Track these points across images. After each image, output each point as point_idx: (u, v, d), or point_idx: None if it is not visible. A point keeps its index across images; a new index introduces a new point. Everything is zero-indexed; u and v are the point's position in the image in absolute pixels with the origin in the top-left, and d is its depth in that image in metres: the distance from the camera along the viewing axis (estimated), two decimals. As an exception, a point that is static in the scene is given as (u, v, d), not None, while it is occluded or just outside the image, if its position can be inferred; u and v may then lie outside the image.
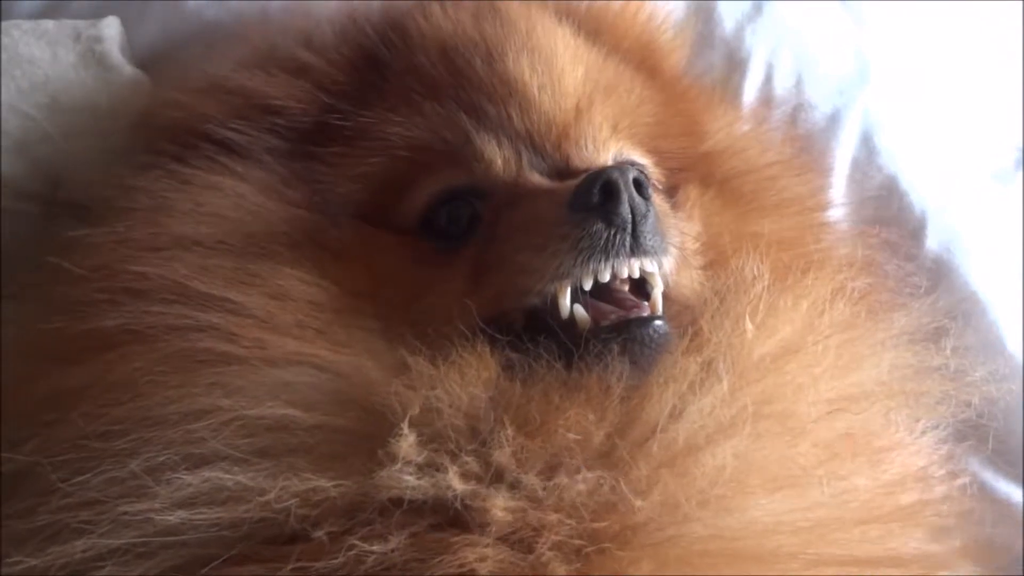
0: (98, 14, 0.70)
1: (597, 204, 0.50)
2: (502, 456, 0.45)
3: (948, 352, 0.59)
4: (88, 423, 0.49)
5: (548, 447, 0.46)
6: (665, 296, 0.54)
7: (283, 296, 0.51)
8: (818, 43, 0.84)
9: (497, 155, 0.56)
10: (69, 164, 0.64)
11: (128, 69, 0.67)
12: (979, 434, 0.71)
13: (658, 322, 0.51)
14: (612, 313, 0.50)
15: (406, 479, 0.44)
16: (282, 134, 0.59)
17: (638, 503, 0.44)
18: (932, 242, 0.79)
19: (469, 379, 0.48)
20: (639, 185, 0.51)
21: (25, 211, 0.65)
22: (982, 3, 1.03)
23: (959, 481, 0.59)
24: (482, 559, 0.43)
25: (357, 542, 0.42)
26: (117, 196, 0.57)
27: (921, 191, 0.80)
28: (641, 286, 0.53)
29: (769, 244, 0.58)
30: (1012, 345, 0.75)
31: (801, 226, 0.65)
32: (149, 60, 0.70)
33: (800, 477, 0.48)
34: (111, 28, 0.68)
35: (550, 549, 0.44)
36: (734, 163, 0.68)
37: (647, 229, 0.51)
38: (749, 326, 0.51)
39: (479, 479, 0.45)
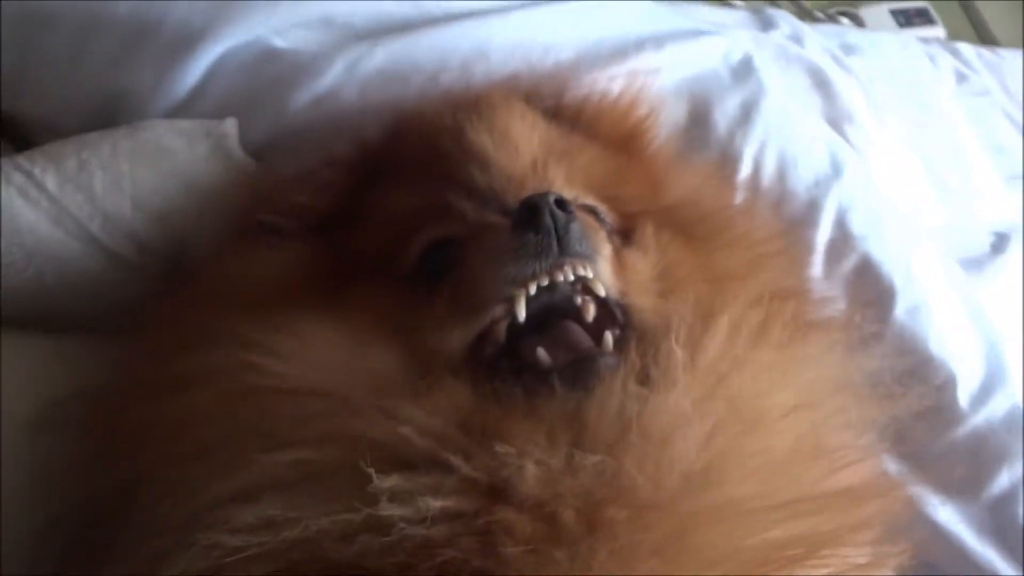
0: (219, 116, 0.86)
1: (527, 219, 0.60)
2: (475, 471, 0.52)
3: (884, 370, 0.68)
4: (161, 457, 0.57)
5: (520, 455, 0.52)
6: (627, 320, 0.63)
7: (309, 338, 0.61)
8: (796, 142, 0.97)
9: (467, 207, 0.67)
10: (197, 234, 0.78)
11: (246, 160, 0.82)
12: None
13: (607, 359, 0.59)
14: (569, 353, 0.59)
15: (392, 512, 0.50)
16: (308, 223, 0.74)
17: (638, 479, 0.51)
18: (899, 310, 0.90)
19: (438, 407, 0.55)
20: (561, 203, 0.60)
21: (158, 269, 0.79)
22: (957, 97, 1.16)
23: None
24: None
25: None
26: (197, 262, 0.73)
27: (891, 264, 0.92)
28: (598, 328, 0.61)
29: (720, 276, 0.70)
30: (962, 400, 0.87)
31: (752, 261, 0.75)
32: (256, 154, 0.85)
33: (769, 464, 0.57)
34: (232, 127, 0.83)
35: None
36: (691, 211, 0.78)
37: (572, 236, 0.60)
38: (677, 340, 0.60)
39: (457, 493, 0.51)
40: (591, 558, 0.50)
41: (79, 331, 0.78)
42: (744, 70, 1.03)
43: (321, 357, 0.60)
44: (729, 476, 0.55)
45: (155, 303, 0.72)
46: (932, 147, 1.25)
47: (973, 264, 1.11)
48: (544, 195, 0.61)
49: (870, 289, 0.92)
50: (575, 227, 0.61)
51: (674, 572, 0.51)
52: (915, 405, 0.73)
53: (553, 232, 0.60)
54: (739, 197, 0.90)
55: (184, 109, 0.88)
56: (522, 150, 0.71)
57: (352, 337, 0.62)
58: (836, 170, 0.97)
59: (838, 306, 0.87)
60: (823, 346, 0.69)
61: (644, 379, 0.58)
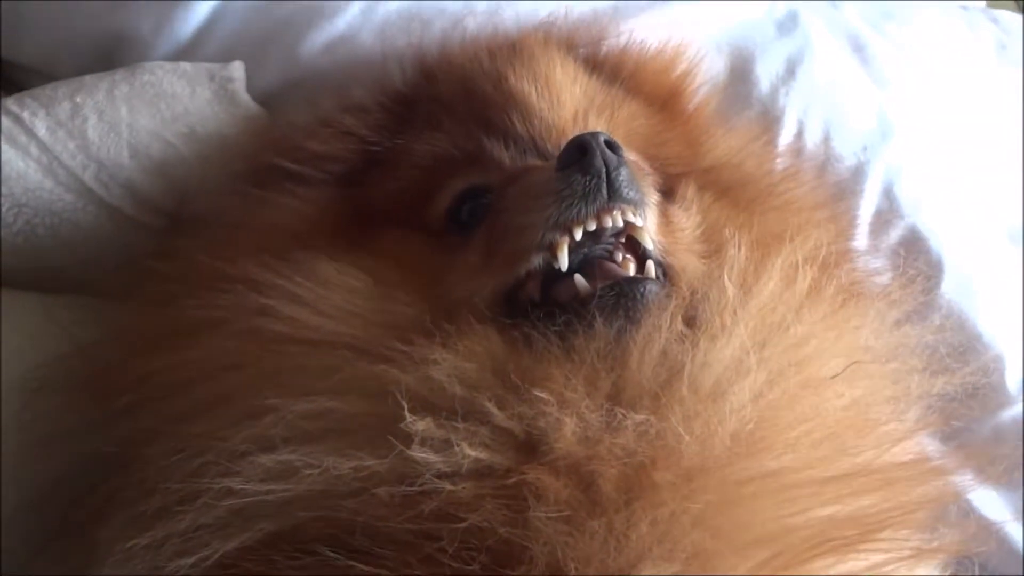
0: (224, 60, 0.80)
1: (575, 160, 0.56)
2: (509, 420, 0.49)
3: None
4: (174, 407, 0.55)
5: (558, 404, 0.49)
6: (670, 277, 0.60)
7: (326, 283, 0.58)
8: (844, 103, 0.91)
9: (504, 155, 0.65)
10: (199, 185, 0.73)
11: (252, 106, 0.77)
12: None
13: (651, 284, 0.55)
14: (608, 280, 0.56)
15: (425, 456, 0.48)
16: (330, 171, 0.70)
17: (685, 440, 0.48)
18: (947, 286, 0.85)
19: (471, 352, 0.52)
20: (611, 145, 0.57)
21: (156, 225, 0.74)
22: (997, 67, 1.11)
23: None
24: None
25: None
26: (209, 212, 0.68)
27: (940, 238, 0.87)
28: (640, 262, 0.58)
29: (765, 241, 0.64)
30: (1010, 382, 0.82)
31: (798, 226, 0.70)
32: (265, 100, 0.80)
33: (820, 430, 0.53)
34: (239, 71, 0.78)
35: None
36: (733, 174, 0.74)
37: (622, 178, 0.56)
38: (729, 285, 0.56)
39: (490, 445, 0.49)
40: (629, 530, 0.46)
41: (74, 291, 0.74)
42: (790, 24, 0.97)
43: (345, 303, 0.57)
44: (779, 439, 0.51)
45: (160, 255, 0.67)
46: (969, 117, 1.20)
47: (1013, 237, 1.04)
48: (595, 134, 0.57)
49: (917, 262, 0.86)
50: (625, 170, 0.57)
51: (717, 548, 0.47)
52: (962, 384, 0.68)
53: (603, 174, 0.56)
54: (783, 161, 0.84)
55: (187, 54, 0.83)
56: (564, 100, 0.67)
57: (377, 285, 0.59)
58: (885, 134, 0.92)
59: (883, 278, 0.82)
60: (872, 316, 0.64)
61: (691, 321, 0.54)
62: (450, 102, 0.70)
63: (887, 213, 0.88)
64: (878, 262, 0.85)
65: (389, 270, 0.60)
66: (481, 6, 0.84)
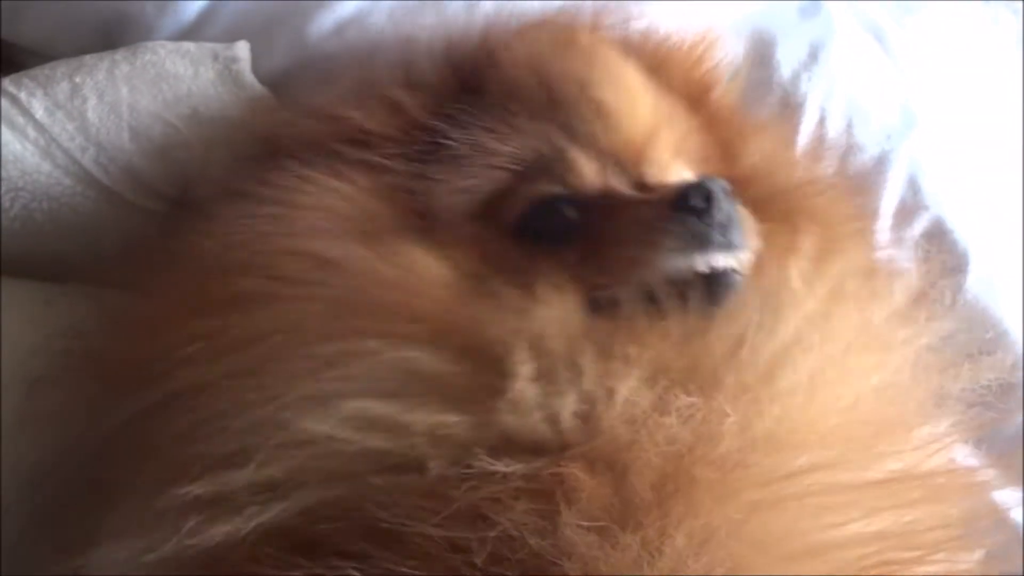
0: (230, 41, 0.77)
1: (698, 207, 0.57)
2: (593, 383, 0.49)
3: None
4: (224, 368, 0.52)
5: (637, 374, 0.49)
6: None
7: (408, 268, 0.56)
8: (867, 90, 0.89)
9: (587, 168, 0.63)
10: (203, 169, 0.70)
11: (258, 87, 0.74)
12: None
13: (739, 277, 0.58)
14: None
15: (520, 414, 0.48)
16: (380, 154, 0.65)
17: (728, 421, 0.47)
18: (973, 279, 0.83)
19: (562, 308, 0.53)
20: (727, 193, 0.58)
21: (154, 210, 0.71)
22: (1020, 61, 1.09)
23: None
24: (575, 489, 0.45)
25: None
26: (246, 189, 0.63)
27: (965, 231, 0.85)
28: None
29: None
30: None
31: (834, 241, 0.70)
32: (272, 84, 0.77)
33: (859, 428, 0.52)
34: (244, 51, 0.75)
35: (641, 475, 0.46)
36: (765, 185, 0.73)
37: (735, 227, 0.58)
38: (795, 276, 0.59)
39: (582, 410, 0.48)
40: (664, 543, 0.44)
41: (75, 279, 0.71)
42: (812, 7, 0.94)
43: (433, 286, 0.56)
44: (815, 436, 0.50)
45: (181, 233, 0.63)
46: (992, 112, 1.17)
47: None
48: (717, 182, 0.58)
49: (942, 256, 0.83)
50: (738, 221, 0.59)
51: (758, 562, 0.45)
52: (987, 382, 0.65)
53: (720, 224, 0.58)
54: (815, 169, 0.82)
55: (191, 35, 0.80)
56: (642, 114, 0.66)
57: (457, 274, 0.57)
58: (908, 124, 0.89)
59: (908, 272, 0.79)
60: (903, 320, 0.63)
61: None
62: (527, 98, 0.66)
63: (911, 204, 0.86)
64: (902, 254, 0.84)
65: (469, 261, 0.59)
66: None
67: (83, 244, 0.72)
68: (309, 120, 0.67)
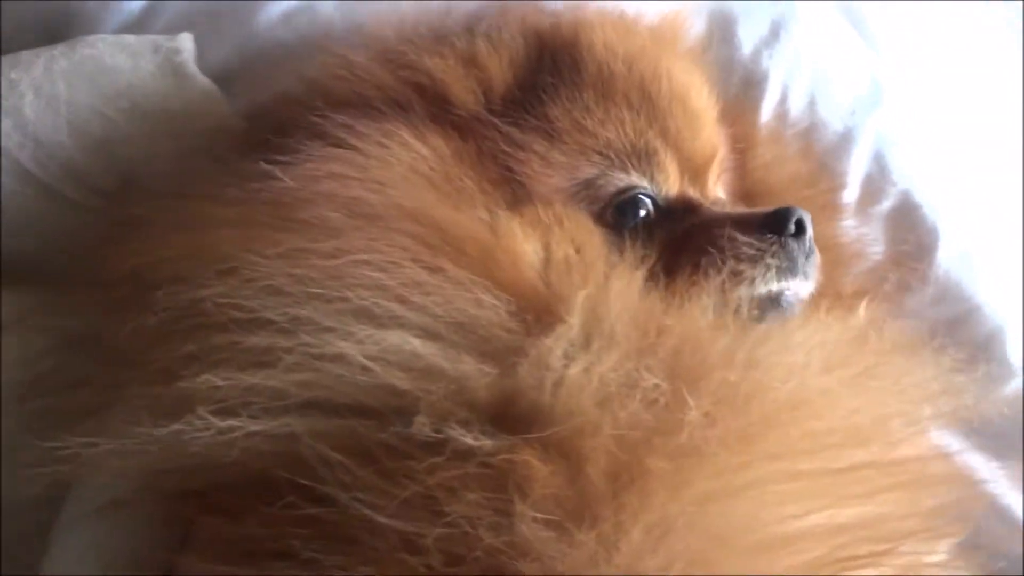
0: (173, 33, 0.75)
1: (790, 233, 0.61)
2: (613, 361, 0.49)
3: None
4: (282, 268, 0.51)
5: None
6: None
7: (503, 235, 0.56)
8: (832, 66, 0.87)
9: (673, 170, 0.66)
10: (147, 162, 0.69)
11: (202, 79, 0.72)
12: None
13: (798, 304, 0.63)
14: None
15: (534, 371, 0.47)
16: (465, 112, 0.63)
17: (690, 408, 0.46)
18: (943, 255, 0.82)
19: (626, 286, 0.54)
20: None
21: (93, 207, 0.69)
22: (989, 25, 1.07)
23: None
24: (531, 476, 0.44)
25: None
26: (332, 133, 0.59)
27: (934, 206, 0.83)
28: None
29: None
30: (1012, 354, 0.79)
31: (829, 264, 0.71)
32: (220, 76, 0.75)
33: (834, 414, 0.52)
34: (187, 42, 0.73)
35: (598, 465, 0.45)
36: (764, 196, 0.74)
37: (811, 259, 0.62)
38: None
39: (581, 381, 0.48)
40: (620, 539, 0.42)
41: (36, 282, 0.69)
42: (773, -16, 0.92)
43: (514, 259, 0.55)
44: (782, 423, 0.49)
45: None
46: (969, 90, 1.15)
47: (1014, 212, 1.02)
48: (806, 214, 0.62)
49: (911, 233, 0.83)
50: (814, 252, 0.63)
51: (717, 556, 0.43)
52: (959, 357, 0.64)
53: (805, 254, 0.62)
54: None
55: (135, 30, 0.78)
56: (713, 129, 0.71)
57: (545, 257, 0.57)
58: (875, 100, 0.87)
59: (877, 247, 0.81)
60: (876, 317, 0.65)
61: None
62: (623, 86, 0.67)
63: (878, 180, 0.84)
64: (869, 230, 0.83)
65: (563, 248, 0.59)
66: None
67: (33, 243, 0.71)
68: (370, 67, 0.65)
